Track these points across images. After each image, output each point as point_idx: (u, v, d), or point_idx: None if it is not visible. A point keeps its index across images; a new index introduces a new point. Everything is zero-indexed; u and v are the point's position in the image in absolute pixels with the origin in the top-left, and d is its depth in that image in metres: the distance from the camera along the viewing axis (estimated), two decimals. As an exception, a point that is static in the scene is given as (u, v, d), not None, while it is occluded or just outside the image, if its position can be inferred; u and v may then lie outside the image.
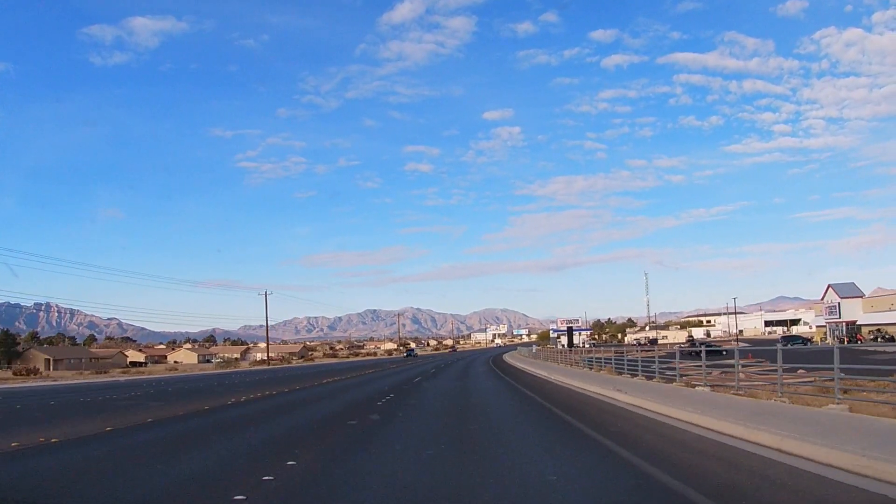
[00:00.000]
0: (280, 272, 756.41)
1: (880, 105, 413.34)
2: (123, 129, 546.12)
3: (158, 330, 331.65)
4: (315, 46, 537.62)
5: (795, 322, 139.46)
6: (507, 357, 74.47)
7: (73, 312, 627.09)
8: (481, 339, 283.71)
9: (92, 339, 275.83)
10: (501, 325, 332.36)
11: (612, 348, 58.94)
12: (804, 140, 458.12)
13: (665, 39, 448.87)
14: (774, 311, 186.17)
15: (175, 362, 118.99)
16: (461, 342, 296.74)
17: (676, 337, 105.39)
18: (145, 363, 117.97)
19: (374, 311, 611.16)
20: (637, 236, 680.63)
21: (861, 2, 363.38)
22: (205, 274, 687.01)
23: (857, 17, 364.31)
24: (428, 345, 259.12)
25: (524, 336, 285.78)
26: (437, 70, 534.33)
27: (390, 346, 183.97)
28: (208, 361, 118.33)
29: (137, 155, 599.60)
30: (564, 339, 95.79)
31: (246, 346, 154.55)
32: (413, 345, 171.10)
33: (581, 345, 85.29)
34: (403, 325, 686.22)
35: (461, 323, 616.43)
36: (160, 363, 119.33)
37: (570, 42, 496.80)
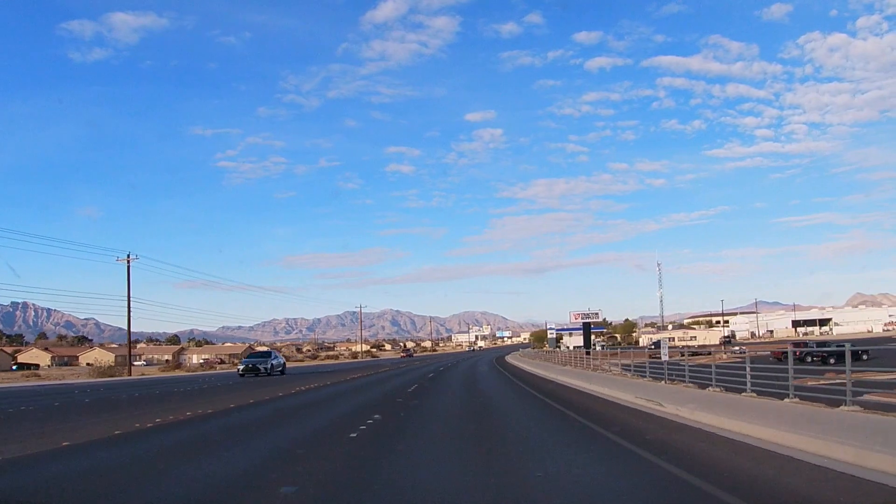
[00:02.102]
0: (260, 272, 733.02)
1: (862, 111, 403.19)
2: (102, 126, 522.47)
3: (137, 330, 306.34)
4: (296, 45, 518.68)
5: (825, 322, 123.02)
6: (522, 363, 54.31)
7: (49, 312, 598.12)
8: (463, 340, 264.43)
9: (42, 336, 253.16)
10: (485, 327, 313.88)
11: (647, 351, 47.13)
12: (786, 145, 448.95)
13: (649, 42, 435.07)
14: (792, 311, 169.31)
15: (87, 364, 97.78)
16: (441, 344, 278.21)
17: (708, 338, 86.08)
18: (49, 366, 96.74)
19: (354, 312, 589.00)
20: (617, 240, 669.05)
21: (846, 6, 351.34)
22: (184, 274, 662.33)
23: (842, 21, 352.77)
24: (404, 347, 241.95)
25: (506, 338, 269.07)
26: (420, 70, 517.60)
27: (359, 347, 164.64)
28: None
29: (116, 153, 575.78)
30: (568, 340, 76.26)
31: (180, 347, 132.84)
32: (265, 347, 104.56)
33: (594, 347, 65.87)
34: (382, 328, 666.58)
35: (441, 325, 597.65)
36: (70, 365, 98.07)
37: (553, 44, 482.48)
